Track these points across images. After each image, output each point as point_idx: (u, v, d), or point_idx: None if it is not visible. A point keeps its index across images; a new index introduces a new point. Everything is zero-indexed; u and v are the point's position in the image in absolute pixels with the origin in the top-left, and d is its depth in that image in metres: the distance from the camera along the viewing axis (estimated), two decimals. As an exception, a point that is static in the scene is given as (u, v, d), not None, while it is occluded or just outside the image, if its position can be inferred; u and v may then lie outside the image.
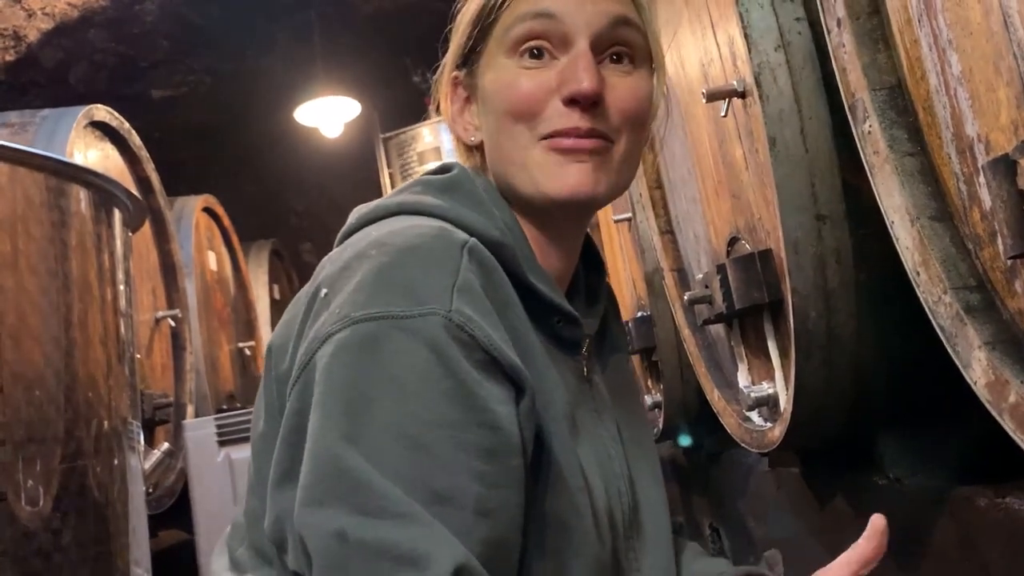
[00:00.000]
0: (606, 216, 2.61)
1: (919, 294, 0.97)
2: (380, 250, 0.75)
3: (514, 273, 0.81)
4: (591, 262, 1.00)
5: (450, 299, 0.71)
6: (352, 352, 0.70)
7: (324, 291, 0.75)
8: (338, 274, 0.76)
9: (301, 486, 0.69)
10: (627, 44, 0.87)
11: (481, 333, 0.71)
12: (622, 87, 0.85)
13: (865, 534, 0.81)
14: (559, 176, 0.83)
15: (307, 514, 0.68)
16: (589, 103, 0.83)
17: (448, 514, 0.66)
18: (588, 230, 0.98)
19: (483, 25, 0.88)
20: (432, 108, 0.98)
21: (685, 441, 2.60)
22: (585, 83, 0.82)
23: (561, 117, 0.83)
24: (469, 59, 0.91)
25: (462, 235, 0.77)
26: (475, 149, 0.93)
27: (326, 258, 0.81)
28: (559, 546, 0.77)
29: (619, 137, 0.86)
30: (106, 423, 1.88)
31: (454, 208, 0.83)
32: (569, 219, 0.90)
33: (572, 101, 0.83)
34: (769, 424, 1.52)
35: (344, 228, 0.87)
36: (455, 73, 0.93)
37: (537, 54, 0.85)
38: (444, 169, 0.91)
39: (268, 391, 0.81)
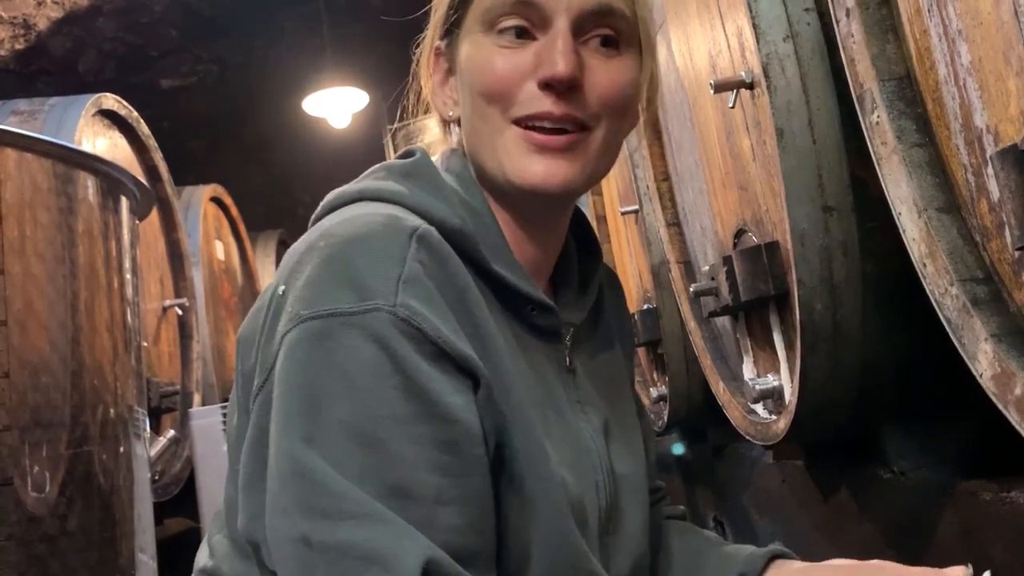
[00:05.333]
0: (613, 208, 2.60)
1: (926, 286, 0.97)
2: (327, 241, 0.73)
3: (476, 261, 0.79)
4: (587, 248, 0.97)
5: (395, 292, 0.70)
6: (303, 351, 0.69)
7: (281, 288, 0.75)
8: (292, 268, 0.75)
9: (268, 491, 0.69)
10: (612, 26, 0.82)
11: (428, 325, 0.70)
12: (603, 72, 0.81)
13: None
14: (526, 166, 0.80)
15: (273, 520, 0.68)
16: (565, 88, 0.79)
17: (408, 507, 0.66)
18: (594, 222, 0.96)
19: None
20: (410, 83, 0.93)
21: (679, 450, 2.61)
22: (560, 67, 0.78)
23: (535, 101, 0.79)
24: (450, 30, 0.87)
25: (413, 222, 0.75)
26: (453, 124, 0.90)
27: (290, 248, 0.80)
28: (521, 536, 0.75)
29: (597, 123, 0.82)
30: (112, 410, 1.89)
31: (414, 194, 0.80)
32: (542, 207, 0.86)
33: (547, 85, 0.79)
34: (774, 417, 1.51)
35: (314, 213, 0.85)
36: (437, 44, 0.89)
37: (515, 33, 0.81)
38: (407, 154, 0.88)
39: (237, 385, 0.81)
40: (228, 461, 0.83)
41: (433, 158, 0.88)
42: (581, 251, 0.97)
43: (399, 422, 0.68)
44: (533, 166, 0.80)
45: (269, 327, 0.75)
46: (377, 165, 0.87)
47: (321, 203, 0.85)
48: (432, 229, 0.75)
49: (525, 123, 0.81)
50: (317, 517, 0.65)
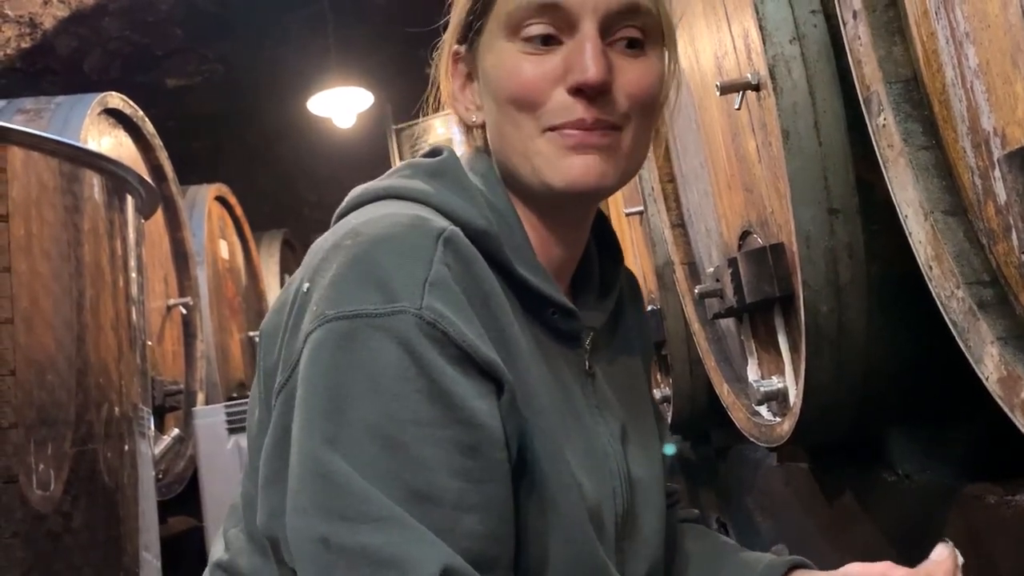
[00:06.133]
0: (617, 209, 2.60)
1: (932, 289, 0.97)
2: (354, 240, 0.73)
3: (500, 263, 0.79)
4: (609, 250, 0.97)
5: (421, 295, 0.69)
6: (328, 352, 0.69)
7: (306, 285, 0.74)
8: (318, 265, 0.74)
9: (289, 490, 0.69)
10: (637, 25, 0.81)
11: (454, 330, 0.70)
12: (631, 71, 0.81)
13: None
14: (562, 167, 0.80)
15: (293, 520, 0.68)
16: (595, 93, 0.78)
17: (429, 512, 0.66)
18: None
19: (484, 0, 0.83)
20: (430, 91, 0.92)
21: (670, 450, 2.60)
22: (591, 72, 0.77)
23: (566, 109, 0.79)
24: (470, 35, 0.86)
25: (440, 224, 0.74)
26: (476, 129, 0.89)
27: (314, 243, 0.79)
28: (540, 541, 0.75)
29: (628, 123, 0.81)
30: (117, 408, 1.89)
31: (440, 193, 0.80)
32: (572, 207, 0.86)
33: (578, 91, 0.78)
34: (778, 419, 1.51)
35: (338, 209, 0.85)
36: (456, 48, 0.88)
37: (541, 40, 0.80)
38: (434, 152, 0.87)
39: (259, 380, 0.81)
40: (248, 455, 0.83)
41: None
42: (602, 253, 0.96)
43: (422, 425, 0.67)
44: (570, 166, 0.80)
45: (293, 324, 0.74)
46: (403, 162, 0.87)
47: (346, 198, 0.85)
48: (458, 231, 0.74)
49: (557, 130, 0.80)
50: (337, 519, 0.65)
